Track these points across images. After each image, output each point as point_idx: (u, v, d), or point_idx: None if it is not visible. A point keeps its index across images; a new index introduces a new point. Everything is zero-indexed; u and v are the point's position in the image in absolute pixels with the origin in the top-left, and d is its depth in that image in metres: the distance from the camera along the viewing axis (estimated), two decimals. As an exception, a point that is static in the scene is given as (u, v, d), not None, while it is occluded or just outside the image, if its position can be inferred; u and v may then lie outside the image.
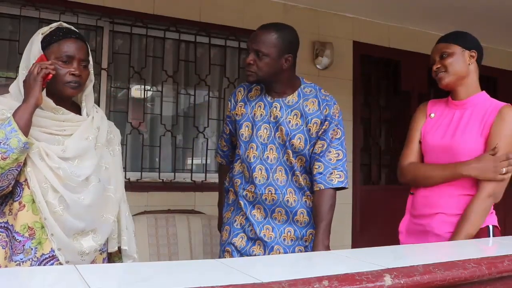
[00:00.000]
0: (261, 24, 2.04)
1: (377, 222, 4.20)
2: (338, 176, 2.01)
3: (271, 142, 2.03)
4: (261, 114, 2.05)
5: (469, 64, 1.94)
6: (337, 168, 2.02)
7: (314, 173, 2.02)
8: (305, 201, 2.06)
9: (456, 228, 1.82)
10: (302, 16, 4.08)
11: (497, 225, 1.89)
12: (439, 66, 1.96)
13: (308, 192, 2.07)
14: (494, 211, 1.90)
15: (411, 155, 2.02)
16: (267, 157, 2.03)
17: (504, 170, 1.79)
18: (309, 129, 2.02)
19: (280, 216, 2.04)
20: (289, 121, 2.02)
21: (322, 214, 1.98)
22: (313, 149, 2.04)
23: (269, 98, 2.06)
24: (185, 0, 3.66)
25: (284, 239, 2.04)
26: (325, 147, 2.03)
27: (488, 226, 1.86)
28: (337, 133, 2.05)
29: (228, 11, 3.81)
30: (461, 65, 1.93)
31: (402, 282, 1.06)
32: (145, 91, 3.70)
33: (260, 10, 3.89)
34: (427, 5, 3.99)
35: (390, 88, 4.85)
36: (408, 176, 2.00)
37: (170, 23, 3.66)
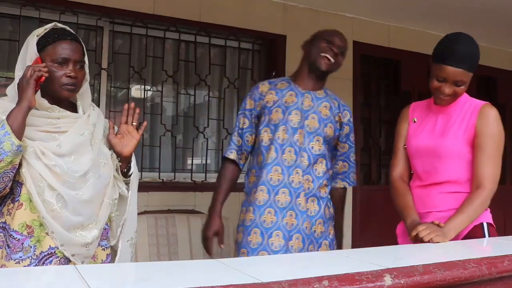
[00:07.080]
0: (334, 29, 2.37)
1: (377, 222, 4.20)
2: (355, 175, 2.35)
3: (300, 127, 2.16)
4: (293, 101, 2.19)
5: None
6: (355, 167, 2.35)
7: (340, 171, 2.31)
8: (319, 190, 2.19)
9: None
10: (302, 16, 4.07)
11: (492, 223, 1.88)
12: (450, 93, 1.84)
13: (326, 181, 2.22)
14: (488, 209, 1.90)
15: (398, 164, 2.04)
16: (297, 139, 2.15)
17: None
18: (337, 121, 2.25)
19: (303, 201, 2.14)
20: (321, 111, 2.20)
21: (342, 210, 2.37)
22: (336, 149, 2.29)
23: (300, 89, 2.22)
24: (185, 0, 3.66)
25: (306, 227, 2.13)
26: (348, 149, 2.30)
27: (482, 223, 1.85)
28: (353, 137, 2.33)
29: (228, 11, 3.80)
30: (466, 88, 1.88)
31: (402, 282, 1.06)
32: (145, 91, 3.70)
33: (260, 10, 3.89)
34: (427, 5, 3.99)
35: (390, 88, 4.84)
36: (390, 189, 2.03)
37: (170, 23, 3.66)
